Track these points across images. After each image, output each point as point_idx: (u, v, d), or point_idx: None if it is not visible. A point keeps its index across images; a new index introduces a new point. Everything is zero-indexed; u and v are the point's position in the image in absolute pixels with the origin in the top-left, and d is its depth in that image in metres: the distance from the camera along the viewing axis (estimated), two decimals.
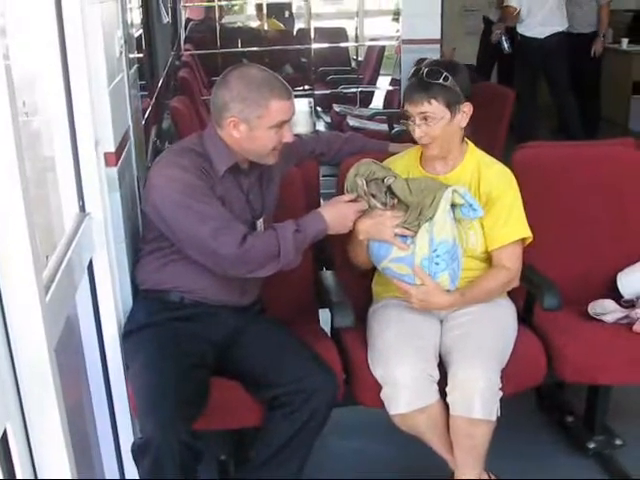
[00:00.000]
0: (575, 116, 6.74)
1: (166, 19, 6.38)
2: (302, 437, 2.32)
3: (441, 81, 2.43)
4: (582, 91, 7.02)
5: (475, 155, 2.61)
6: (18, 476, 1.53)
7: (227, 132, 2.37)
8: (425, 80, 2.44)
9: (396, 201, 2.43)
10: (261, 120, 2.32)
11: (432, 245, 2.40)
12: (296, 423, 2.30)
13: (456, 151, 2.58)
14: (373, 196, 2.43)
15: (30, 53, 2.14)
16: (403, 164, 2.65)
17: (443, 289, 2.44)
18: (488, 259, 2.60)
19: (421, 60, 5.79)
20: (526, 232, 2.57)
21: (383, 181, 2.43)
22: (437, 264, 2.40)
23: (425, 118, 2.46)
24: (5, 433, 1.48)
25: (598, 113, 7.46)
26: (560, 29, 6.50)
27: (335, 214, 2.43)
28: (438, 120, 2.46)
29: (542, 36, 6.47)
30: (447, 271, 2.42)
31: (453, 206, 2.42)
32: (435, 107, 2.44)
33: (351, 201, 2.46)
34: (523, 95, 6.12)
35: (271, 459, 2.34)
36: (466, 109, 2.51)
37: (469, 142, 2.62)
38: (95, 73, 2.27)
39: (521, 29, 6.60)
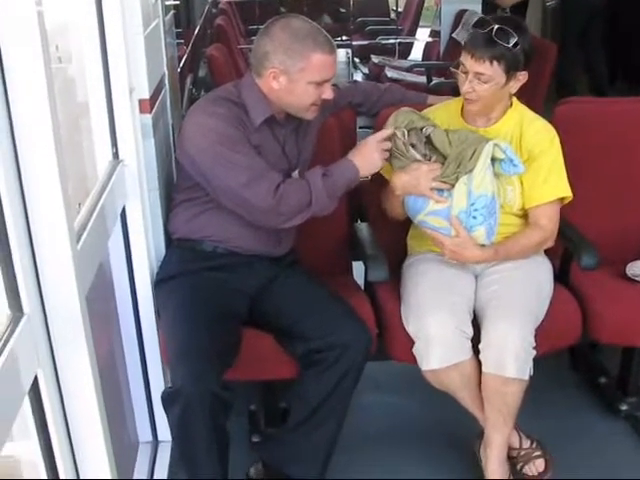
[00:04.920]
0: (605, 74, 6.66)
1: None
2: (337, 395, 2.31)
3: (510, 45, 2.34)
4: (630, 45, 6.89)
5: (518, 110, 2.54)
6: (49, 423, 1.54)
7: (266, 83, 2.33)
8: (494, 38, 2.34)
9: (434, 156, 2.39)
10: (302, 73, 2.27)
11: (470, 198, 2.36)
12: (330, 381, 2.29)
13: (499, 108, 2.52)
14: (413, 146, 2.38)
15: None
16: (443, 115, 2.59)
17: (477, 243, 2.41)
18: (525, 215, 2.55)
19: (463, 11, 5.75)
20: (566, 191, 2.51)
21: (422, 130, 2.38)
22: (474, 218, 2.37)
23: (480, 76, 2.39)
24: (36, 380, 1.49)
25: None
26: None
27: (360, 153, 2.38)
28: (492, 83, 2.39)
29: None
30: (484, 225, 2.38)
31: (493, 160, 2.37)
32: (495, 70, 2.36)
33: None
34: (569, 50, 6.01)
35: (308, 420, 2.35)
36: (521, 77, 2.44)
37: (513, 97, 2.54)
38: (130, 19, 2.24)
39: None
